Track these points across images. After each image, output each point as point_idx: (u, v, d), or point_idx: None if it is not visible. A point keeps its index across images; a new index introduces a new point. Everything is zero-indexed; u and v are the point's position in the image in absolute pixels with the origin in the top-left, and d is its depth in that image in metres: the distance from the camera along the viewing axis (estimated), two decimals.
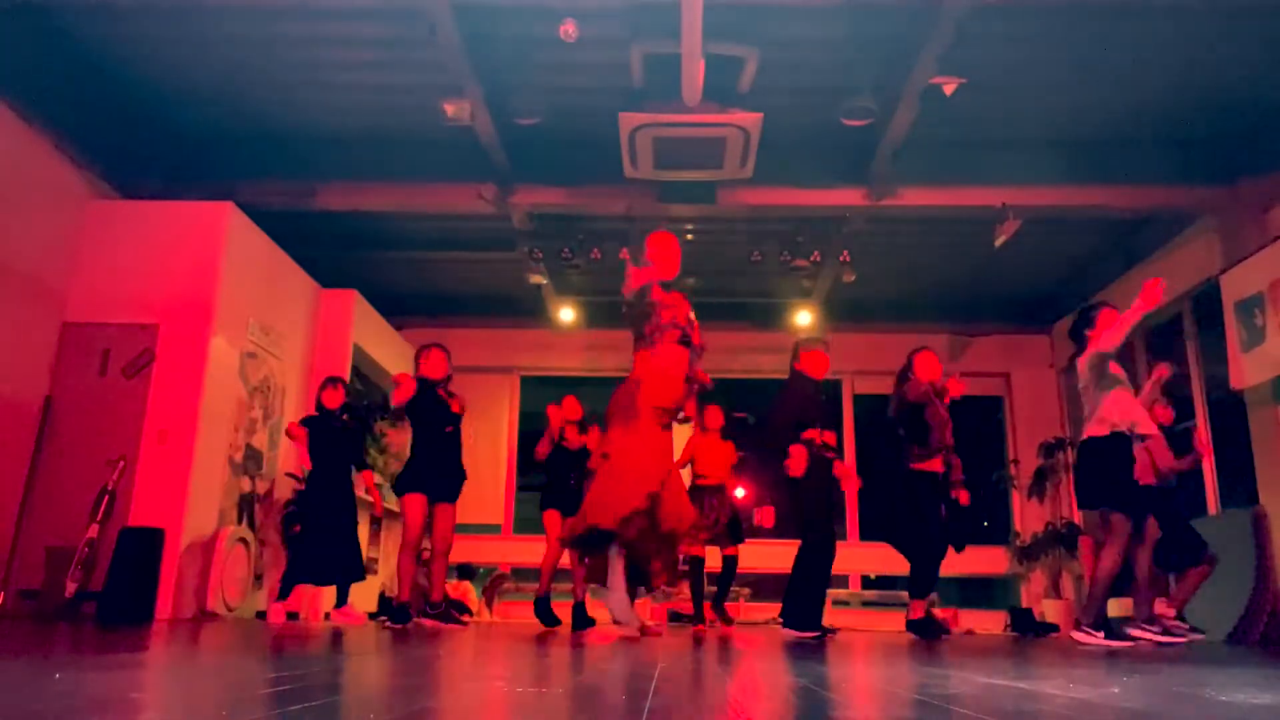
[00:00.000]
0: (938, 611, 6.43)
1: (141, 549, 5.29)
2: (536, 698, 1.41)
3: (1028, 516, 9.04)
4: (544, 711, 1.23)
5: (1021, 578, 9.01)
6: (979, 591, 9.13)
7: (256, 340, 6.66)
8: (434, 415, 5.11)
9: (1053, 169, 6.62)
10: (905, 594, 5.27)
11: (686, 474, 5.98)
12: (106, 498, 5.59)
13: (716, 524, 5.86)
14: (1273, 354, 5.90)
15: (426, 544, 8.85)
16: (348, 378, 7.13)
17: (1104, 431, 4.22)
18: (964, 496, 4.96)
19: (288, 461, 7.09)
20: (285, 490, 6.93)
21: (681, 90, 5.40)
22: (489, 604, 8.82)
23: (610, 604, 3.88)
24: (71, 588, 5.33)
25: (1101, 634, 4.19)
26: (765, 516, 6.11)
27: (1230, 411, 6.60)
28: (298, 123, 6.65)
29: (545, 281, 8.25)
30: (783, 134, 6.25)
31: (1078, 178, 6.66)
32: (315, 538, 5.40)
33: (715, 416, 6.27)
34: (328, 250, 8.01)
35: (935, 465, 4.95)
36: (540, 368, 9.84)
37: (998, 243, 6.75)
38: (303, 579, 5.52)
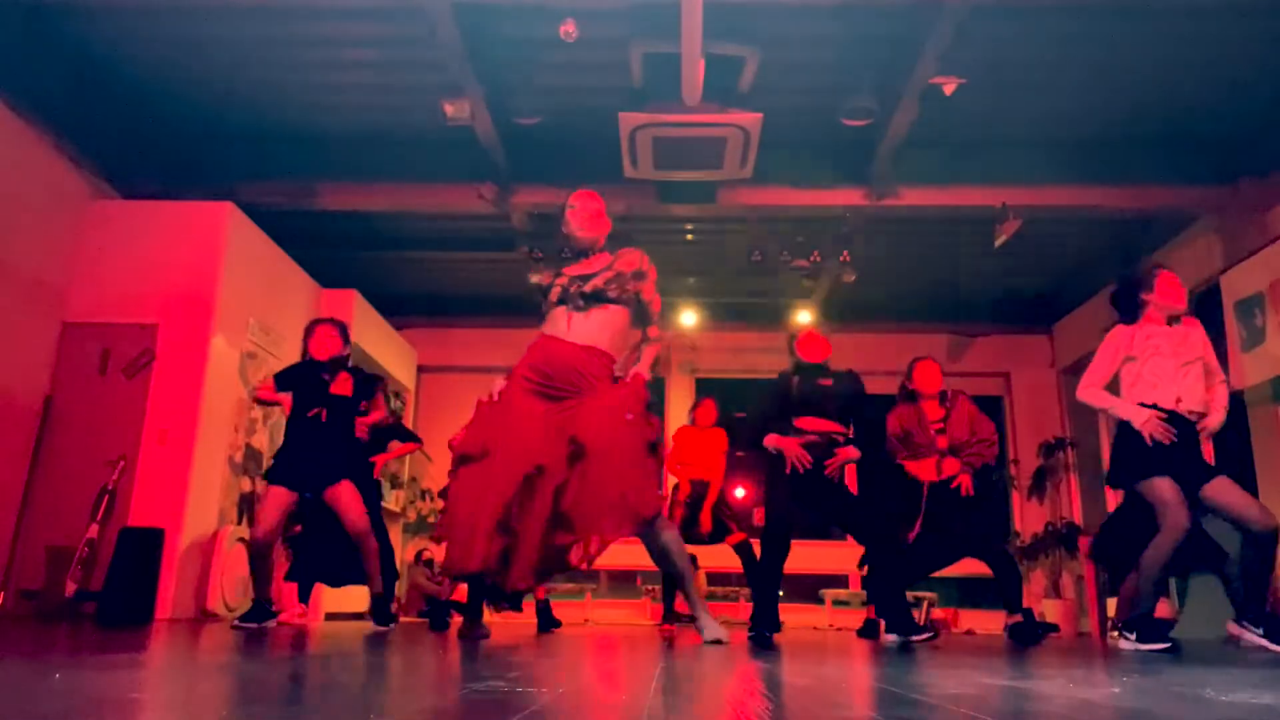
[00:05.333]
0: (937, 612, 6.41)
1: (141, 549, 5.29)
2: (535, 697, 1.41)
3: (1028, 517, 9.04)
4: (543, 711, 1.23)
5: (1022, 578, 9.00)
6: (979, 591, 9.12)
7: (256, 340, 6.66)
8: (306, 397, 4.49)
9: (1053, 169, 6.62)
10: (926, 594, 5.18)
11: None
12: (106, 498, 5.60)
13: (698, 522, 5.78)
14: (1273, 354, 5.90)
15: (428, 545, 8.92)
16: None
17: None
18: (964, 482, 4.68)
19: None
20: None
21: (681, 90, 5.40)
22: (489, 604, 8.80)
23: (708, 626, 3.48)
24: (71, 588, 5.33)
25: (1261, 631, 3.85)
26: (763, 516, 6.08)
27: (1230, 411, 6.59)
28: (298, 123, 6.65)
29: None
30: (783, 134, 6.25)
31: (1078, 178, 6.66)
32: (324, 535, 4.93)
33: (708, 412, 6.14)
34: (328, 250, 8.01)
35: (919, 470, 4.86)
36: None
37: (998, 243, 6.75)
38: (316, 579, 5.31)
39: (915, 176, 6.72)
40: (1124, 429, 3.73)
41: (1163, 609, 5.37)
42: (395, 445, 5.85)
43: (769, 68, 5.64)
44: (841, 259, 7.64)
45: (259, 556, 4.39)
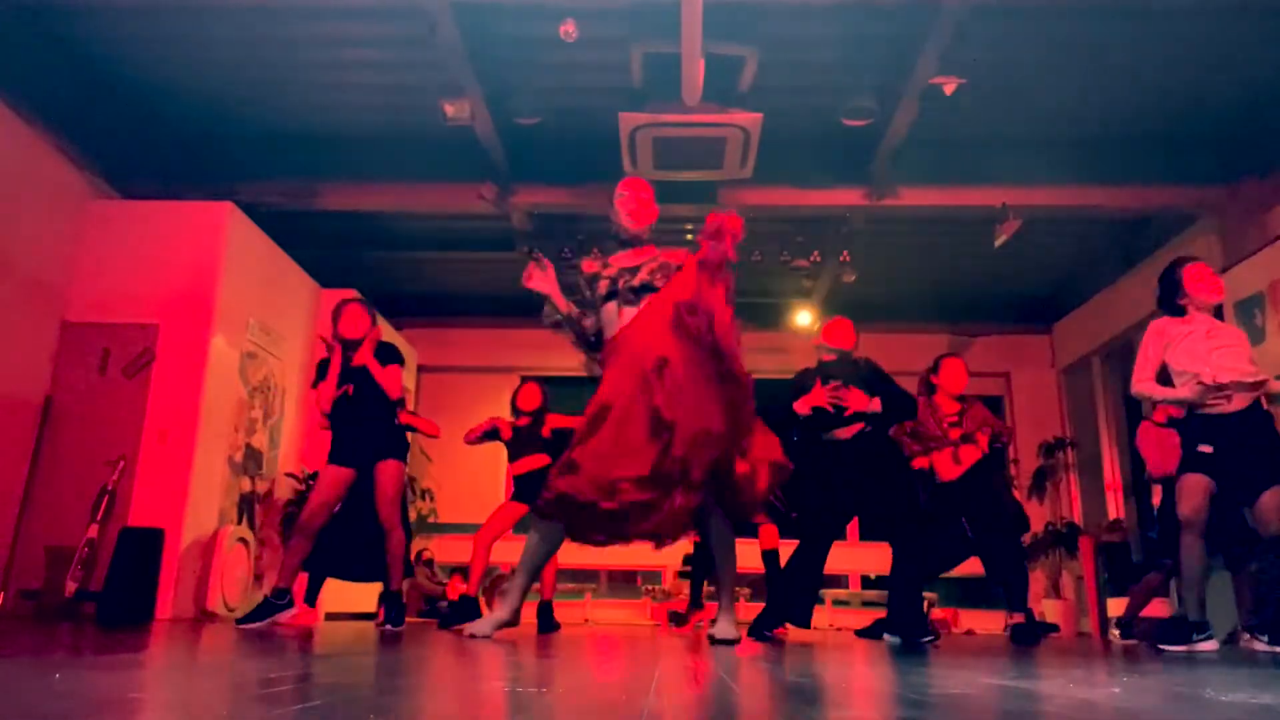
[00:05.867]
0: (937, 612, 6.41)
1: (141, 549, 5.29)
2: (535, 698, 1.41)
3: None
4: (543, 712, 1.23)
5: (1028, 579, 8.99)
6: (979, 591, 9.12)
7: (256, 340, 6.66)
8: (340, 376, 4.50)
9: (1053, 169, 6.62)
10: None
11: None
12: (106, 498, 5.59)
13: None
14: (1273, 354, 5.90)
15: (427, 545, 8.93)
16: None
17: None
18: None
19: (288, 461, 7.10)
20: (285, 490, 6.93)
21: (681, 90, 5.40)
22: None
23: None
24: (71, 588, 5.33)
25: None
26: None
27: None
28: (298, 123, 6.65)
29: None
30: (783, 134, 6.25)
31: (1078, 178, 6.66)
32: (347, 525, 4.74)
33: None
34: (328, 250, 8.01)
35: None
36: (540, 368, 9.82)
37: (998, 243, 6.75)
38: (328, 573, 5.14)
39: (915, 176, 6.72)
40: (1185, 429, 3.73)
41: (1161, 608, 5.38)
42: (418, 420, 5.62)
43: (769, 68, 5.64)
44: (841, 259, 7.65)
45: (303, 538, 4.33)
